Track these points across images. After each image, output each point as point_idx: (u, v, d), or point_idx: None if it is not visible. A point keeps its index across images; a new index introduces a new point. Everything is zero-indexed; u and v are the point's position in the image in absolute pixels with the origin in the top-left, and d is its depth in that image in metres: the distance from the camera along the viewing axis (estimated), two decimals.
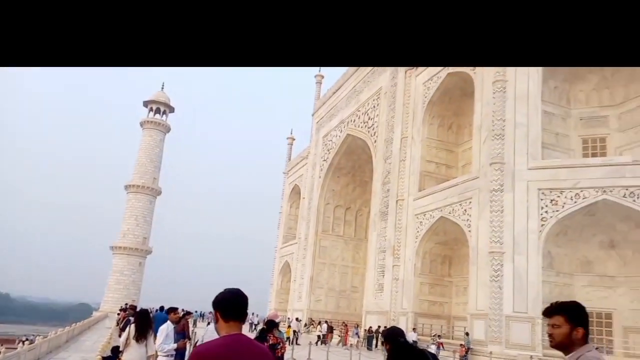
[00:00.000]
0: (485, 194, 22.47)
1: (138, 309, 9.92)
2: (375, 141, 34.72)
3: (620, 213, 19.96)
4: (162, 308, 12.63)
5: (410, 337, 22.49)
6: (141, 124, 65.95)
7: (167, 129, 67.12)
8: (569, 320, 2.39)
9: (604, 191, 19.85)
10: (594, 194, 20.05)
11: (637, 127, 22.91)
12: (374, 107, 35.67)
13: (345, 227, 41.62)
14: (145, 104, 67.09)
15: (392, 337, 3.87)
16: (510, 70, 23.20)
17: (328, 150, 42.25)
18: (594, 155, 23.46)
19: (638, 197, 19.25)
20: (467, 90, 26.89)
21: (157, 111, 66.54)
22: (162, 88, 69.32)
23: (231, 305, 2.33)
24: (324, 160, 42.65)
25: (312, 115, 48.27)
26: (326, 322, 30.46)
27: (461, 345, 21.05)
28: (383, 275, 29.18)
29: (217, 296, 2.38)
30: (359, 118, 37.85)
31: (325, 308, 37.12)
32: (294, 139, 55.73)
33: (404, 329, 24.55)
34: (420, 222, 27.22)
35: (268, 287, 52.26)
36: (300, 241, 43.69)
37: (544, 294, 20.03)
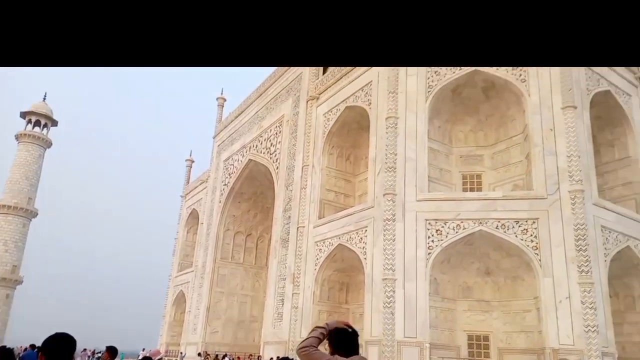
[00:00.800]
0: (379, 223, 23.87)
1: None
2: (277, 168, 35.25)
3: (493, 243, 22.47)
4: (32, 346, 11.56)
5: None
6: (16, 137, 60.02)
7: (48, 144, 61.78)
8: None
9: (480, 223, 22.23)
10: (472, 225, 22.35)
11: (506, 166, 26.07)
12: (277, 134, 36.29)
13: (245, 254, 41.28)
14: (23, 115, 61.35)
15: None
16: (401, 108, 25.22)
17: (229, 175, 41.91)
18: (472, 190, 26.17)
19: (508, 229, 21.85)
20: (364, 124, 28.57)
21: (37, 124, 61.15)
22: (44, 98, 63.90)
23: (55, 349, 2.35)
24: (225, 184, 42.21)
25: (214, 137, 47.65)
26: (225, 355, 29.84)
27: None
28: (282, 304, 29.45)
29: (44, 340, 2.37)
30: (261, 144, 38.19)
31: (222, 340, 36.24)
32: (193, 161, 54.36)
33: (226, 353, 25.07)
34: (320, 249, 28.05)
35: (160, 320, 49.43)
36: (197, 269, 42.39)
37: (430, 318, 21.74)
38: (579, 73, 24.25)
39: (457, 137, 27.73)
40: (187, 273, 45.19)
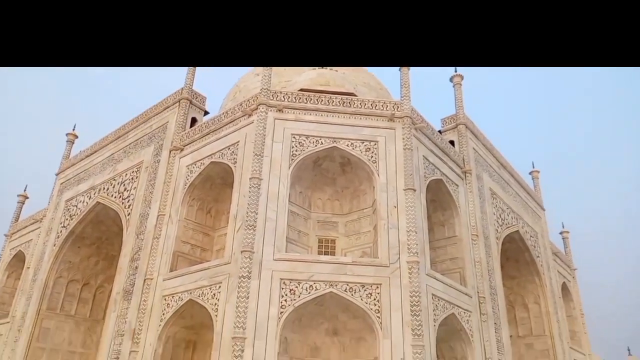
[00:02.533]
0: (234, 280, 23.79)
1: None
2: (129, 214, 33.13)
3: (341, 305, 23.96)
4: None
5: None
6: None
7: None
8: None
9: (331, 285, 23.65)
10: (323, 287, 23.64)
11: (357, 234, 28.52)
12: (133, 179, 34.44)
13: (79, 305, 36.72)
14: None
15: None
16: (265, 171, 26.21)
17: (70, 217, 37.95)
18: (326, 253, 27.86)
19: (355, 292, 23.60)
20: (228, 180, 28.90)
21: None
22: None
23: None
24: (64, 226, 37.99)
25: (57, 174, 43.09)
26: None
27: None
28: None
29: None
30: (113, 187, 35.73)
31: None
32: (26, 197, 48.04)
33: None
34: (168, 304, 26.63)
35: None
36: (14, 320, 36.34)
37: None
38: (418, 161, 28.33)
39: (316, 204, 29.64)
40: (0, 324, 38.40)
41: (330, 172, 28.89)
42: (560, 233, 52.25)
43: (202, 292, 25.32)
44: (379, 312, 23.40)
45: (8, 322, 37.01)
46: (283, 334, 23.16)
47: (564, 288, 45.09)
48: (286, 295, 23.47)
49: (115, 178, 35.75)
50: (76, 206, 37.96)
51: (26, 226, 43.39)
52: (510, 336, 33.81)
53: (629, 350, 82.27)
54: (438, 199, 30.77)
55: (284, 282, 23.76)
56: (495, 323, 29.94)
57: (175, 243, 28.75)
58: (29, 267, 38.54)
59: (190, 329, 27.13)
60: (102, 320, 34.55)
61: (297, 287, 23.69)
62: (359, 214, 29.04)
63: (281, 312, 23.05)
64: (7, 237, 45.50)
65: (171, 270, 27.75)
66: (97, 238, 37.76)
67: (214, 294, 24.83)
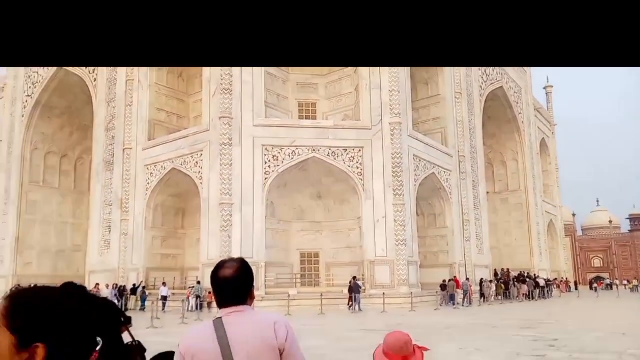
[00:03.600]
0: (215, 147, 23.37)
1: None
2: (95, 80, 31.17)
3: (325, 169, 24.07)
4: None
5: (162, 291, 22.47)
6: None
7: None
8: None
9: (314, 150, 23.45)
10: (306, 152, 23.46)
11: (338, 96, 27.57)
12: None
13: (62, 177, 36.47)
14: None
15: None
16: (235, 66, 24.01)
17: (33, 84, 35.64)
18: (307, 117, 27.17)
19: (338, 156, 23.55)
20: None
21: None
22: None
23: None
24: (28, 95, 35.90)
25: None
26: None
27: (209, 293, 21.77)
28: (110, 231, 27.49)
29: None
30: None
31: (38, 271, 32.40)
32: None
33: (135, 284, 24.24)
34: (151, 173, 26.49)
35: None
36: None
37: (267, 239, 22.83)
38: None
39: None
40: None
41: None
42: (544, 88, 51.84)
43: (185, 161, 25.01)
44: (361, 174, 23.66)
45: None
46: (269, 198, 23.54)
47: (543, 144, 46.09)
48: (269, 161, 23.33)
49: None
50: (37, 72, 35.39)
51: None
52: (487, 192, 35.34)
53: (597, 201, 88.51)
54: None
55: (266, 149, 23.42)
56: (473, 181, 30.91)
57: (149, 110, 27.53)
58: (1, 140, 37.24)
59: (178, 196, 27.41)
60: (87, 191, 34.59)
61: (279, 152, 23.44)
62: (339, 74, 27.69)
63: (266, 178, 23.13)
64: None
65: (149, 140, 27.03)
66: (66, 107, 36.01)
67: (197, 162, 24.56)
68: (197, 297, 21.86)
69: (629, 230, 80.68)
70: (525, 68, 43.11)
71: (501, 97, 37.72)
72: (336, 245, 25.32)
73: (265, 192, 22.96)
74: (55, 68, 33.36)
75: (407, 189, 23.84)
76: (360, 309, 20.46)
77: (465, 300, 24.95)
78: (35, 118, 35.37)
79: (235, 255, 21.79)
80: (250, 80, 23.87)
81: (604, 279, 61.99)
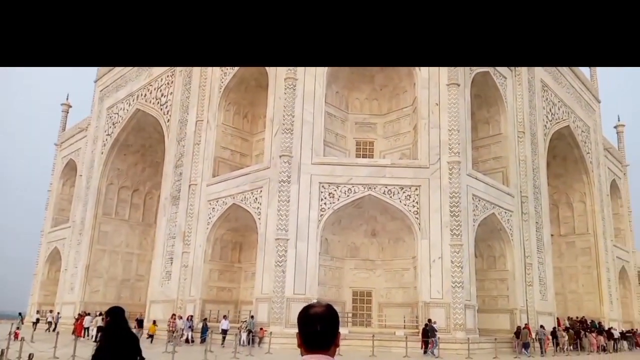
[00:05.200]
0: (274, 184, 24.12)
1: None
2: (168, 120, 33.46)
3: (380, 207, 24.08)
4: None
5: (223, 324, 23.04)
6: None
7: None
8: None
9: (369, 188, 23.61)
10: (362, 190, 23.65)
11: (396, 135, 27.74)
12: (168, 84, 34.22)
13: (131, 210, 39.04)
14: None
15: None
16: (300, 70, 25.22)
17: (113, 124, 38.84)
18: (364, 156, 27.51)
19: (393, 194, 23.52)
20: (262, 82, 28.14)
21: None
22: None
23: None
24: (108, 134, 39.10)
25: (95, 82, 43.47)
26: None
27: (261, 328, 22.12)
28: (171, 263, 28.79)
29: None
30: (150, 93, 35.79)
31: (103, 299, 34.37)
32: (70, 106, 49.19)
33: (192, 315, 25.00)
34: (213, 208, 27.65)
35: (31, 279, 45.00)
36: (74, 225, 39.23)
37: (319, 276, 22.94)
38: None
39: (353, 104, 28.67)
40: (62, 229, 41.63)
41: (367, 70, 27.43)
42: (615, 127, 49.20)
43: (245, 197, 25.98)
44: (417, 213, 23.41)
45: (69, 227, 39.99)
46: (323, 235, 23.79)
47: (613, 185, 43.46)
48: (325, 198, 23.72)
49: (152, 83, 35.65)
50: (117, 114, 38.62)
51: (73, 135, 44.98)
52: (552, 235, 33.59)
53: None
54: (484, 94, 29.05)
55: (322, 186, 23.89)
56: (536, 222, 29.57)
57: (215, 149, 29.08)
58: (81, 175, 40.60)
59: (236, 231, 28.33)
60: (154, 224, 36.68)
61: (335, 190, 23.80)
62: (398, 113, 28.00)
63: (321, 215, 23.48)
64: (58, 146, 47.53)
65: (214, 176, 28.40)
66: (140, 145, 38.82)
67: (256, 198, 25.43)
68: (250, 331, 22.14)
69: None
70: (594, 106, 41.33)
71: (567, 136, 36.25)
72: (389, 285, 24.94)
73: (320, 228, 23.26)
74: (135, 108, 36.35)
75: (465, 229, 23.26)
76: (434, 353, 19.70)
77: (542, 349, 23.93)
78: (112, 156, 38.39)
79: (288, 291, 22.19)
80: (310, 120, 24.71)
81: None
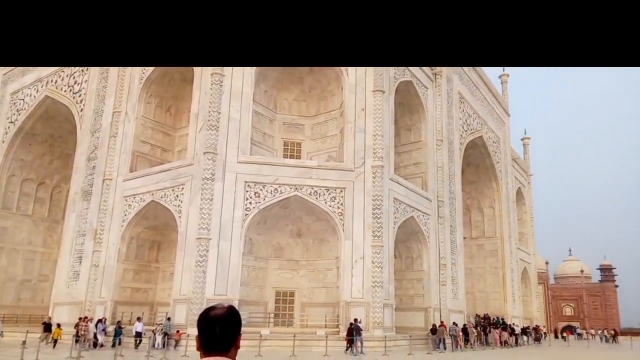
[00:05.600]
0: (197, 182, 23.30)
1: None
2: (81, 110, 31.18)
3: (306, 208, 24.16)
4: None
5: (137, 327, 21.69)
6: None
7: None
8: None
9: (296, 188, 23.59)
10: (288, 190, 23.57)
11: (324, 137, 28.04)
12: (83, 71, 31.91)
13: (35, 205, 35.69)
14: None
15: None
16: (228, 67, 24.66)
17: (18, 111, 35.47)
18: (291, 157, 27.47)
19: (319, 196, 23.71)
20: (188, 76, 27.16)
21: None
22: None
23: None
24: (11, 122, 35.63)
25: None
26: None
27: (177, 331, 21.18)
28: (80, 262, 26.77)
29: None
30: (62, 80, 33.17)
31: None
32: None
33: (105, 317, 23.35)
34: (129, 204, 26.15)
35: None
36: None
37: (242, 276, 22.50)
38: None
39: (282, 105, 28.54)
40: None
41: (297, 70, 27.47)
42: (522, 139, 53.64)
43: (165, 194, 24.81)
44: (341, 214, 23.78)
45: None
46: (248, 235, 23.39)
47: (519, 193, 47.33)
48: (251, 197, 23.32)
49: (64, 69, 32.99)
50: (23, 100, 35.34)
51: None
52: (464, 238, 35.78)
53: (570, 251, 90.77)
54: (406, 102, 30.23)
55: (248, 185, 23.47)
56: (451, 225, 31.29)
57: (133, 142, 27.49)
58: None
59: (154, 229, 27.01)
60: (61, 220, 33.83)
61: (262, 190, 23.49)
62: (326, 116, 28.29)
63: (246, 214, 23.04)
64: None
65: (131, 171, 26.84)
66: (49, 135, 35.80)
67: (177, 196, 24.37)
68: (165, 334, 21.17)
69: (599, 280, 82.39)
70: (504, 119, 44.63)
71: (480, 145, 38.80)
72: (312, 285, 25.09)
73: (244, 228, 22.84)
74: (44, 95, 33.46)
75: (385, 231, 24.00)
76: (362, 352, 20.09)
77: (454, 345, 25.40)
78: (15, 145, 35.02)
79: (209, 292, 21.52)
80: (237, 117, 24.20)
81: (574, 327, 62.60)
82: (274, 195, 23.42)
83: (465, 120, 35.90)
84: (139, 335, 21.54)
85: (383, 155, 24.76)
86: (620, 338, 46.79)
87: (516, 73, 56.14)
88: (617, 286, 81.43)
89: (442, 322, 26.44)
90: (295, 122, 28.52)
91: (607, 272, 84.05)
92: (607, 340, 44.83)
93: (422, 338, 25.23)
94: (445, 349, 24.66)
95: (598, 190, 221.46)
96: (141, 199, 25.66)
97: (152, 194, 25.14)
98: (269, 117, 27.83)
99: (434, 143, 30.83)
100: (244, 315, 22.71)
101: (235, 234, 22.63)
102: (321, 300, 24.54)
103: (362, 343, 20.43)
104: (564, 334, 47.61)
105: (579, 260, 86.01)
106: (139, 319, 22.65)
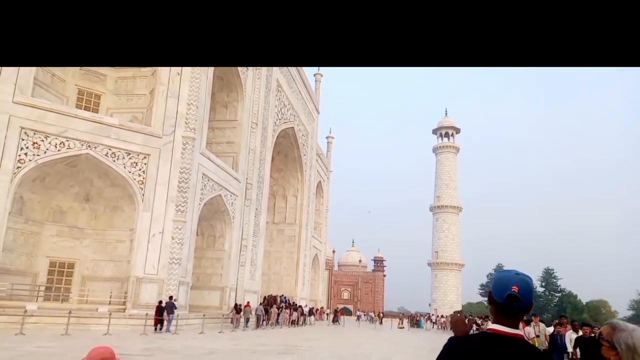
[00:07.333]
0: None
1: None
2: None
3: (99, 169, 21.00)
4: None
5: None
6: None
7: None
8: None
9: (89, 146, 20.28)
10: (79, 146, 20.09)
11: (129, 95, 25.00)
12: None
13: None
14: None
15: None
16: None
17: None
18: (86, 109, 23.60)
19: (118, 159, 20.87)
20: None
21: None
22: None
23: None
24: None
25: None
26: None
27: None
28: None
29: None
30: None
31: None
32: None
33: None
34: None
35: None
36: None
37: (6, 241, 18.30)
38: None
39: None
40: None
41: None
42: (327, 137, 57.51)
43: None
44: (142, 183, 21.35)
45: None
46: (18, 192, 19.14)
47: (319, 186, 50.76)
48: (27, 147, 19.08)
49: None
50: None
51: None
52: (267, 222, 36.33)
53: (352, 242, 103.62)
54: (226, 77, 29.05)
55: (25, 132, 19.14)
56: (256, 209, 31.31)
57: None
58: None
59: None
60: None
61: (43, 141, 19.43)
62: (134, 71, 25.11)
63: (18, 167, 18.77)
64: None
65: None
66: None
67: None
68: None
69: (372, 270, 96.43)
70: (314, 115, 47.04)
71: (291, 136, 40.01)
72: (98, 257, 21.95)
73: (14, 183, 18.58)
74: None
75: (190, 207, 22.49)
76: (169, 331, 19.05)
77: (259, 323, 26.91)
78: None
79: None
80: None
81: (348, 309, 72.66)
82: (59, 150, 19.65)
83: (280, 109, 36.49)
84: None
85: (196, 127, 23.17)
86: (384, 320, 54.31)
87: (330, 74, 60.48)
88: (385, 275, 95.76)
89: (248, 302, 26.81)
90: (96, 71, 24.69)
91: (379, 263, 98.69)
92: (373, 322, 51.43)
93: (216, 317, 24.46)
94: (247, 327, 24.88)
95: (384, 194, 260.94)
96: None
97: None
98: None
99: (249, 125, 30.40)
100: (4, 286, 18.53)
101: (2, 189, 18.24)
102: (107, 275, 21.63)
103: (170, 322, 19.29)
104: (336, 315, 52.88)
105: (359, 252, 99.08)
106: None
